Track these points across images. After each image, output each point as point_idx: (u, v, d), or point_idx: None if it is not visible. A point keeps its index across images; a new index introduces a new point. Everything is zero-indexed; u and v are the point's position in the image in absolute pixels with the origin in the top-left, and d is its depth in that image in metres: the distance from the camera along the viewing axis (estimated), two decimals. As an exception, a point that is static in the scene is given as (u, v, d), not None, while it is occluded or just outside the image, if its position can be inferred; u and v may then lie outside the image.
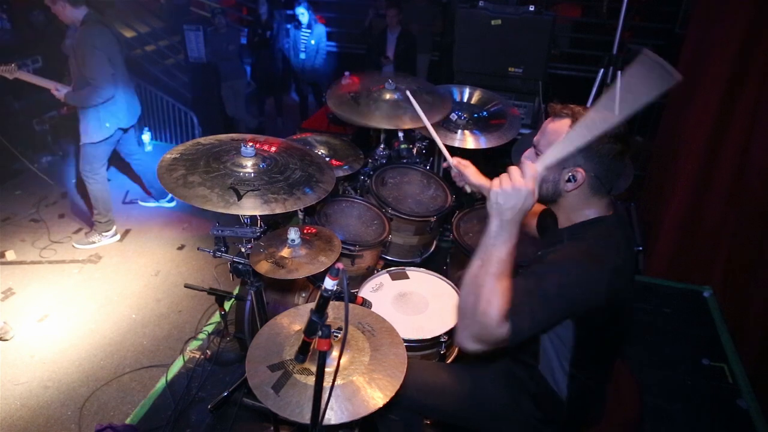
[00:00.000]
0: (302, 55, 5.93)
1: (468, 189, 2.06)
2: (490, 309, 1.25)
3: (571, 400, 1.53)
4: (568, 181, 1.43)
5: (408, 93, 2.45)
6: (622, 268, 1.37)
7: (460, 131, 2.86)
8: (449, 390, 1.70)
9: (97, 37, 3.42)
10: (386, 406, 1.37)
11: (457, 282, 2.20)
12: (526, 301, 1.31)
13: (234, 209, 1.76)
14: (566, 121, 1.44)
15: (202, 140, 2.09)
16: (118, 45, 3.63)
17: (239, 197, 1.79)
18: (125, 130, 3.85)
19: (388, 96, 2.67)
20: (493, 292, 1.27)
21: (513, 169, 1.34)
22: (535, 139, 1.53)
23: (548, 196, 1.51)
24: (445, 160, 2.11)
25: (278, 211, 1.80)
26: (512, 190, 1.29)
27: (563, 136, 1.38)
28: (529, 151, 1.55)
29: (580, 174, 1.41)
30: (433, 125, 2.32)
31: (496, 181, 1.34)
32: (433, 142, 2.97)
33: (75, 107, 3.64)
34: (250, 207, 1.78)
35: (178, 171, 1.87)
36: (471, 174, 2.02)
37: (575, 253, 1.39)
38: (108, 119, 3.64)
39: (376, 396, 1.37)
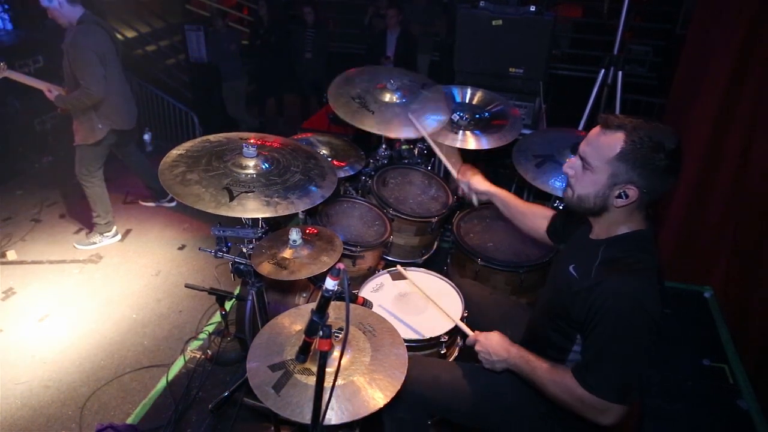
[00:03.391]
0: (308, 55, 5.94)
1: (475, 201, 2.10)
2: (572, 392, 1.42)
3: None
4: (618, 197, 1.40)
5: (410, 115, 2.46)
6: (659, 282, 1.38)
7: (461, 132, 2.85)
8: (460, 386, 1.70)
9: (89, 36, 3.37)
10: (395, 402, 1.37)
11: (457, 282, 2.20)
12: (604, 367, 1.38)
13: (223, 210, 1.75)
14: (620, 135, 1.36)
15: (212, 137, 2.10)
16: (113, 46, 3.56)
17: (231, 198, 1.79)
18: (120, 133, 3.76)
19: (388, 97, 2.67)
20: (557, 383, 1.46)
21: (471, 346, 1.69)
22: (581, 149, 1.46)
23: (594, 211, 1.48)
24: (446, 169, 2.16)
25: (267, 215, 1.79)
26: (487, 355, 1.63)
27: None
28: (574, 162, 1.50)
29: (633, 191, 1.38)
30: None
31: (479, 356, 1.67)
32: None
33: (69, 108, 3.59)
34: (240, 209, 1.77)
35: (179, 168, 1.87)
36: (477, 182, 2.06)
37: (618, 271, 1.38)
38: (100, 121, 3.56)
39: (376, 396, 1.37)
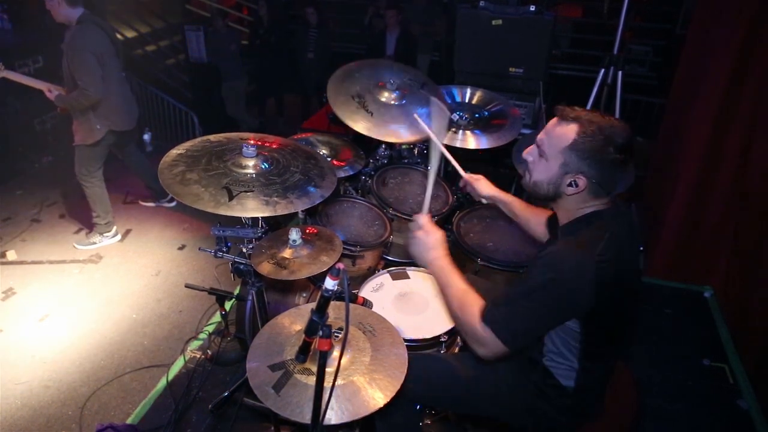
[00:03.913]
0: (310, 55, 5.94)
1: (484, 200, 2.13)
2: (469, 318, 1.45)
3: (577, 392, 1.55)
4: (569, 185, 1.46)
5: (416, 116, 2.47)
6: (612, 261, 1.37)
7: (461, 131, 2.86)
8: (448, 376, 1.71)
9: (88, 36, 3.36)
10: (390, 401, 1.38)
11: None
12: (510, 309, 1.41)
13: (223, 209, 1.75)
14: (573, 127, 1.43)
15: (212, 137, 2.10)
16: (113, 46, 3.55)
17: (231, 198, 1.79)
18: (120, 133, 3.75)
19: (386, 96, 2.67)
20: (463, 305, 1.48)
21: (411, 226, 1.64)
22: (538, 138, 1.53)
23: (549, 197, 1.55)
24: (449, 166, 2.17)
25: (266, 214, 1.80)
26: (416, 243, 1.61)
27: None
28: (532, 149, 1.56)
29: (582, 180, 1.44)
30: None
31: (412, 237, 1.63)
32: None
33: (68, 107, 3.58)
34: (239, 209, 1.77)
35: (179, 167, 1.87)
36: (483, 187, 2.10)
37: (562, 247, 1.43)
38: (98, 122, 3.56)
39: (376, 396, 1.37)
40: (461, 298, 1.49)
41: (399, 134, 2.58)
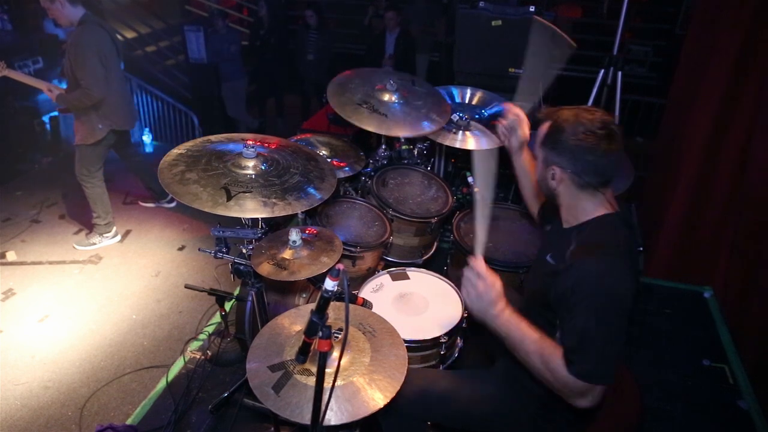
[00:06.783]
0: (310, 56, 5.94)
1: (514, 143, 2.05)
2: (557, 375, 1.38)
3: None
4: (552, 179, 1.52)
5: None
6: (629, 260, 1.40)
7: (461, 132, 2.85)
8: (449, 395, 1.70)
9: (90, 37, 3.38)
10: (389, 411, 1.37)
11: (457, 282, 2.20)
12: (591, 351, 1.35)
13: (221, 209, 1.75)
14: (547, 124, 1.53)
15: (213, 138, 2.10)
16: (114, 47, 3.56)
17: (229, 198, 1.78)
18: (120, 133, 3.78)
19: (387, 97, 2.67)
20: (545, 360, 1.40)
21: (469, 275, 1.50)
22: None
23: (547, 193, 1.60)
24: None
25: (265, 215, 1.80)
26: (477, 297, 1.48)
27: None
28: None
29: (558, 171, 1.50)
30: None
31: (463, 291, 1.52)
32: (433, 143, 2.98)
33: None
34: (237, 209, 1.77)
35: (179, 167, 1.87)
36: (523, 130, 2.04)
37: (595, 262, 1.38)
38: (100, 122, 3.58)
39: (376, 397, 1.37)
40: (540, 352, 1.41)
41: (420, 126, 2.59)
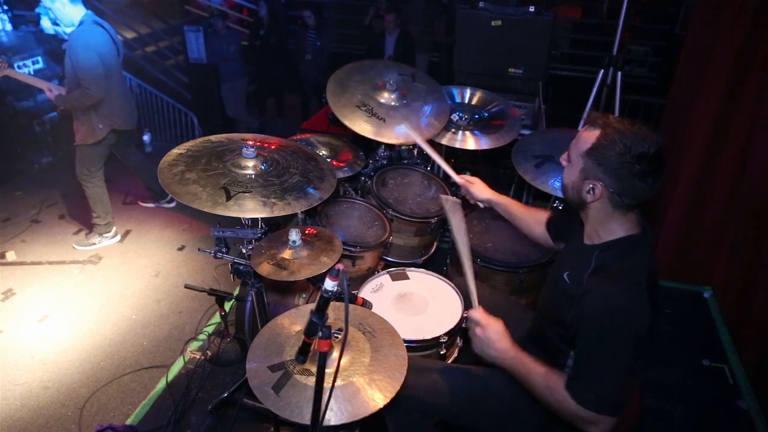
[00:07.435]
0: (308, 56, 5.94)
1: (481, 204, 2.14)
2: (565, 405, 1.40)
3: None
4: (588, 192, 1.44)
5: (405, 126, 2.49)
6: (650, 287, 1.39)
7: (460, 132, 2.86)
8: (458, 390, 1.70)
9: (91, 37, 3.38)
10: (395, 406, 1.37)
11: (457, 282, 2.20)
12: (597, 381, 1.37)
13: (220, 209, 1.75)
14: (596, 132, 1.42)
15: (213, 138, 2.10)
16: (115, 47, 3.56)
17: (228, 198, 1.79)
18: (120, 133, 3.77)
19: (386, 96, 2.67)
20: (553, 392, 1.43)
21: (470, 324, 1.61)
22: (571, 143, 1.52)
23: (575, 203, 1.53)
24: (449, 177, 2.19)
25: (264, 215, 1.80)
26: (480, 343, 1.57)
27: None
28: (566, 153, 1.56)
29: (599, 188, 1.42)
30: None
31: (473, 335, 1.59)
32: (432, 142, 2.97)
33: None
34: (237, 209, 1.77)
35: (179, 167, 1.87)
36: (478, 190, 2.10)
37: (614, 288, 1.36)
38: (100, 121, 3.57)
39: (376, 397, 1.37)
40: (547, 385, 1.44)
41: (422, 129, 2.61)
